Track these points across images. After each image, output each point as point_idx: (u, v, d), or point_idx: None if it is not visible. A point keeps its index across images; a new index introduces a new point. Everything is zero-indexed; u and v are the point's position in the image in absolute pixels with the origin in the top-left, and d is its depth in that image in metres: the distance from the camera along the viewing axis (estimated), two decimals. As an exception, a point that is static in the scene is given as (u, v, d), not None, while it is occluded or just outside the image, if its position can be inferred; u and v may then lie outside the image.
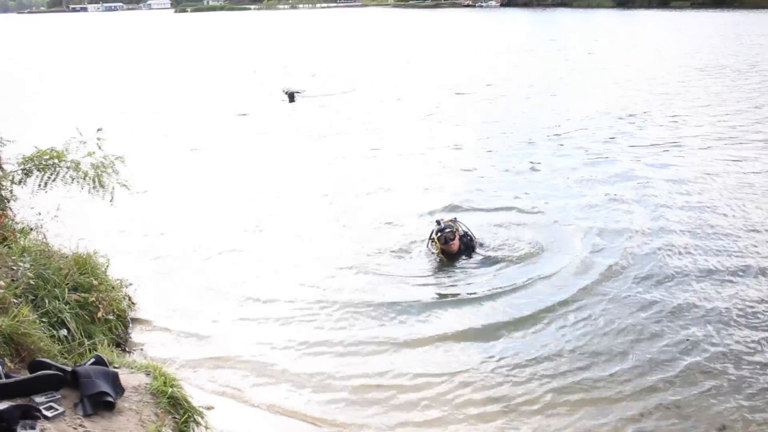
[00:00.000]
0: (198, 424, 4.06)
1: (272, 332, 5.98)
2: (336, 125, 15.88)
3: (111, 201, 5.96)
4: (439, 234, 7.32)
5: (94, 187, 5.88)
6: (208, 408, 4.61)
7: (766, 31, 42.48)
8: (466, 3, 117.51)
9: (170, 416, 3.85)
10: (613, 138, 13.28)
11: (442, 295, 6.68)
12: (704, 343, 5.51)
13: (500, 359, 5.40)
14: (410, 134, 14.46)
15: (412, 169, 11.49)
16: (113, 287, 5.77)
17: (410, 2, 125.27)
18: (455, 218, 7.79)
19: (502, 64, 27.75)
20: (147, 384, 3.98)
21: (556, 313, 6.10)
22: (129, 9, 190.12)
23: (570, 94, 19.39)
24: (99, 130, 6.19)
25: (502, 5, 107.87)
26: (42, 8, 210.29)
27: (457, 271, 7.17)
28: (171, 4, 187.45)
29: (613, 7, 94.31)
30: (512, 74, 24.46)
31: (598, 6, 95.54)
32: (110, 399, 3.52)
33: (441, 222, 7.51)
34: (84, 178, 5.83)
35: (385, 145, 13.36)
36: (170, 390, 3.92)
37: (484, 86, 21.36)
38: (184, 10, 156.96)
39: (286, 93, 19.33)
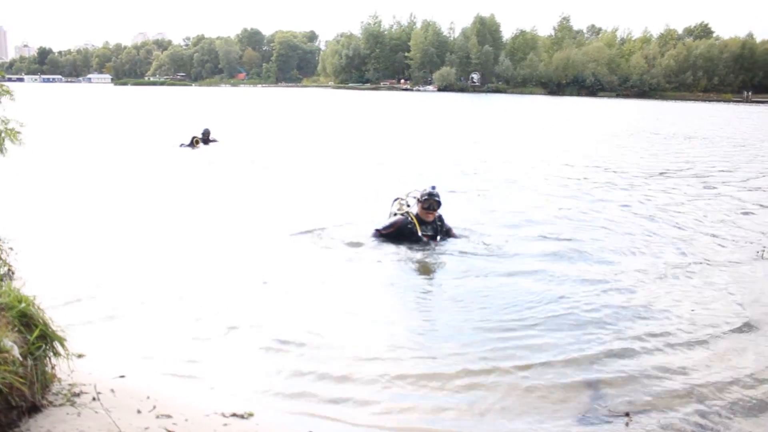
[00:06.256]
0: (57, 354, 3.27)
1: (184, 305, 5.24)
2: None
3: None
4: (426, 197, 6.97)
5: None
6: (79, 356, 3.83)
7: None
8: (404, 87, 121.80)
9: (18, 333, 3.07)
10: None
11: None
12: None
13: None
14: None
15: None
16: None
17: (350, 84, 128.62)
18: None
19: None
20: (-7, 300, 3.22)
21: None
22: (68, 82, 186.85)
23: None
24: None
25: (439, 90, 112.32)
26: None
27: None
28: (111, 79, 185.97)
29: (544, 94, 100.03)
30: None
31: (531, 93, 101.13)
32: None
33: (435, 188, 7.17)
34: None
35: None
36: (21, 306, 3.16)
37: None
38: (125, 84, 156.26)
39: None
